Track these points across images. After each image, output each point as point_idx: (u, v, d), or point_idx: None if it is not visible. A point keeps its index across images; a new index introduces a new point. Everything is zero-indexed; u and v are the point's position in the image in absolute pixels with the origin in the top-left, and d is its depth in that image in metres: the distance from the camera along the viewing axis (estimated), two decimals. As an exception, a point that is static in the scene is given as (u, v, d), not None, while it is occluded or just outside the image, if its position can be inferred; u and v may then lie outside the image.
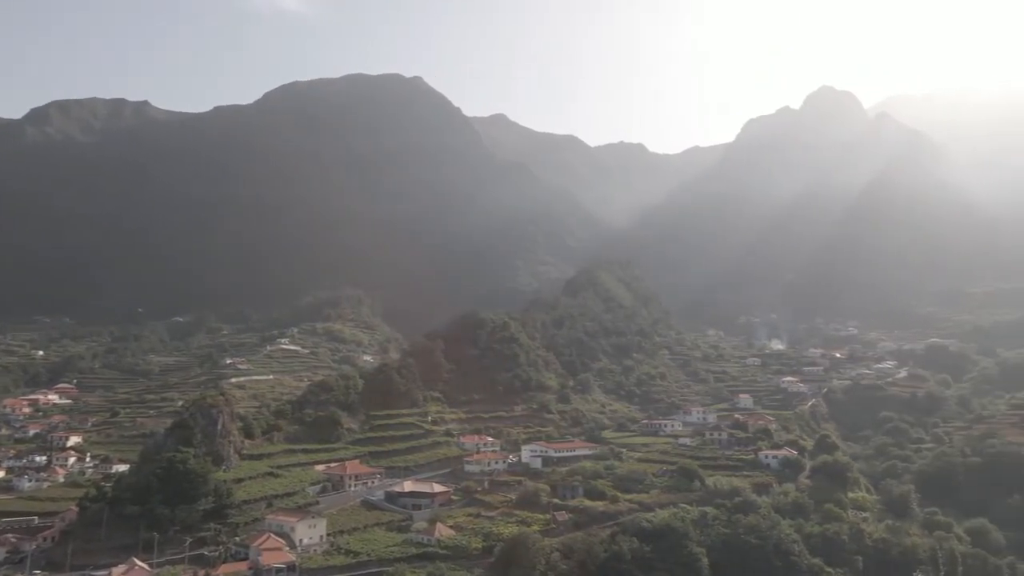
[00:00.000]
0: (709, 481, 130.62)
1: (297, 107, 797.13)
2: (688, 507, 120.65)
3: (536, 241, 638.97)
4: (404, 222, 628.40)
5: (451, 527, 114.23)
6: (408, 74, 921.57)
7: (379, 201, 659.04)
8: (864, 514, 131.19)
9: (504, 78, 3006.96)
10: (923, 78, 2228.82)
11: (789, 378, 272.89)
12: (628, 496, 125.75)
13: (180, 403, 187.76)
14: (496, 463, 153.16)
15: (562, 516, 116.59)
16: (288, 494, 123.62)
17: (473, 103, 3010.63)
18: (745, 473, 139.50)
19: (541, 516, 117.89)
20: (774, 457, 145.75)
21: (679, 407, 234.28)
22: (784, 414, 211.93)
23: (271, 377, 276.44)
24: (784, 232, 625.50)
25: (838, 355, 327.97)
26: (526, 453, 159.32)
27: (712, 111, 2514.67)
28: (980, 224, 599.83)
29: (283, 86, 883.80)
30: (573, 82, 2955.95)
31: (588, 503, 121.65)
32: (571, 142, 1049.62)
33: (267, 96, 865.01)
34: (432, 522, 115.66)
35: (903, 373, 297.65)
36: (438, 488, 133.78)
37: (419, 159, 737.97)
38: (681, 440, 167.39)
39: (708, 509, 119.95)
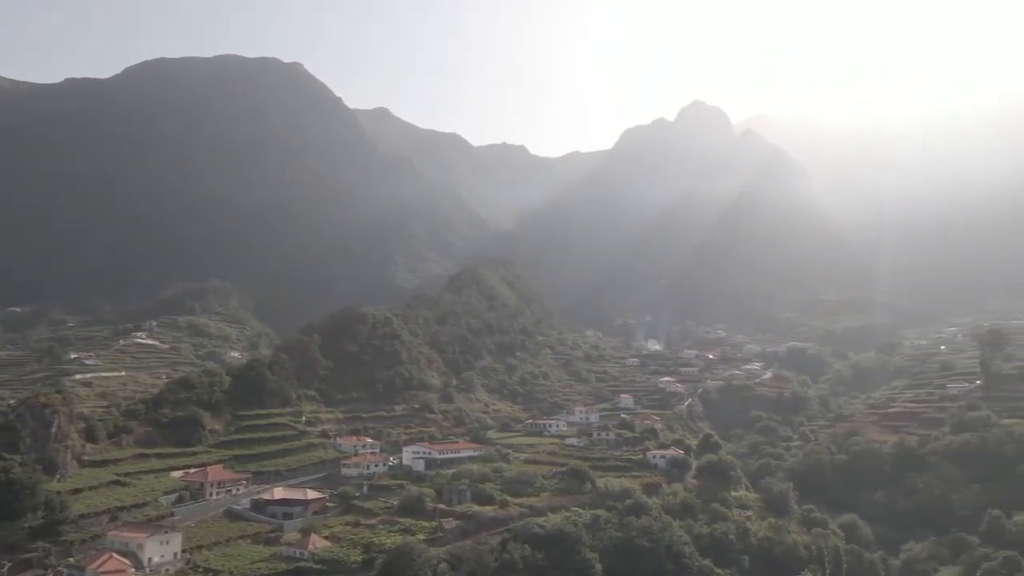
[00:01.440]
0: (600, 482, 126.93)
1: (162, 85, 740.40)
2: (580, 510, 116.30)
3: (418, 237, 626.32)
4: (278, 212, 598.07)
5: (326, 538, 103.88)
6: (287, 59, 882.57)
7: (250, 189, 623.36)
8: (748, 512, 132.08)
9: (388, 72, 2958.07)
10: (785, 100, 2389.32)
11: (667, 378, 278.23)
12: (518, 500, 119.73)
13: (11, 402, 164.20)
14: (376, 466, 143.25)
15: (449, 523, 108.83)
16: (137, 505, 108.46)
17: (355, 95, 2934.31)
18: (634, 474, 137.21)
19: (426, 523, 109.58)
20: (662, 457, 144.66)
21: (562, 407, 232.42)
22: (665, 413, 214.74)
23: (123, 374, 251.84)
24: (659, 238, 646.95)
25: (711, 356, 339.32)
26: (408, 455, 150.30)
27: (593, 118, 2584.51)
28: (833, 238, 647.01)
29: (147, 62, 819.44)
30: (458, 80, 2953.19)
31: (477, 508, 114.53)
32: (454, 140, 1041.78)
33: (128, 71, 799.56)
34: (305, 532, 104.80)
35: (769, 374, 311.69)
36: (312, 494, 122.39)
37: (295, 148, 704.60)
38: (568, 440, 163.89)
39: (600, 512, 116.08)
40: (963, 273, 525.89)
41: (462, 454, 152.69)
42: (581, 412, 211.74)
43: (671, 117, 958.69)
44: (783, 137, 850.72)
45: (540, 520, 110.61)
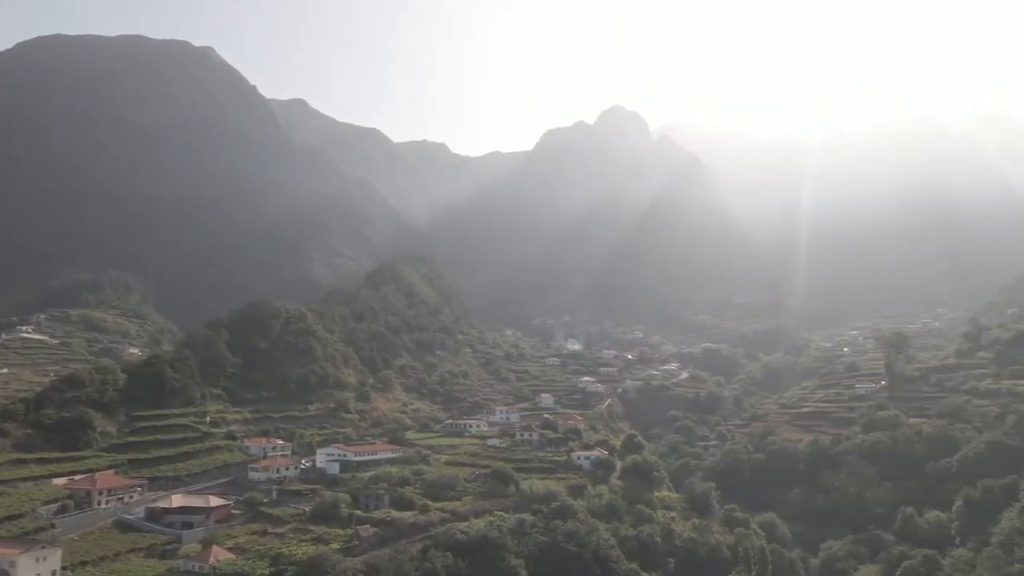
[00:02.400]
0: (524, 485, 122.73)
1: (57, 63, 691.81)
2: (504, 515, 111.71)
3: (334, 232, 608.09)
4: (185, 202, 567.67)
5: (230, 549, 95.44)
6: (198, 43, 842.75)
7: (155, 176, 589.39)
8: (672, 513, 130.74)
9: (307, 63, 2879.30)
10: (700, 109, 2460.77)
11: (587, 378, 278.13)
12: (439, 504, 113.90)
13: None
14: (287, 469, 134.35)
15: (366, 531, 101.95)
16: (11, 517, 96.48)
17: (271, 85, 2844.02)
18: (559, 475, 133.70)
19: (341, 531, 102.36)
20: (587, 458, 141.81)
21: (483, 406, 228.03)
22: (586, 413, 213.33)
23: (5, 371, 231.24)
24: (578, 240, 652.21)
25: (630, 356, 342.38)
26: (322, 457, 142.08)
27: (513, 118, 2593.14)
28: (743, 242, 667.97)
29: (41, 37, 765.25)
30: (380, 76, 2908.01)
31: (396, 514, 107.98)
32: (373, 135, 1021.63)
33: (20, 46, 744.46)
34: (206, 544, 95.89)
35: (685, 374, 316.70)
36: (215, 501, 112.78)
37: (205, 135, 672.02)
38: (490, 441, 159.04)
39: (525, 516, 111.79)
40: (861, 280, 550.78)
41: (380, 456, 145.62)
42: (502, 412, 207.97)
43: (591, 120, 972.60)
44: (698, 144, 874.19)
45: (463, 526, 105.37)
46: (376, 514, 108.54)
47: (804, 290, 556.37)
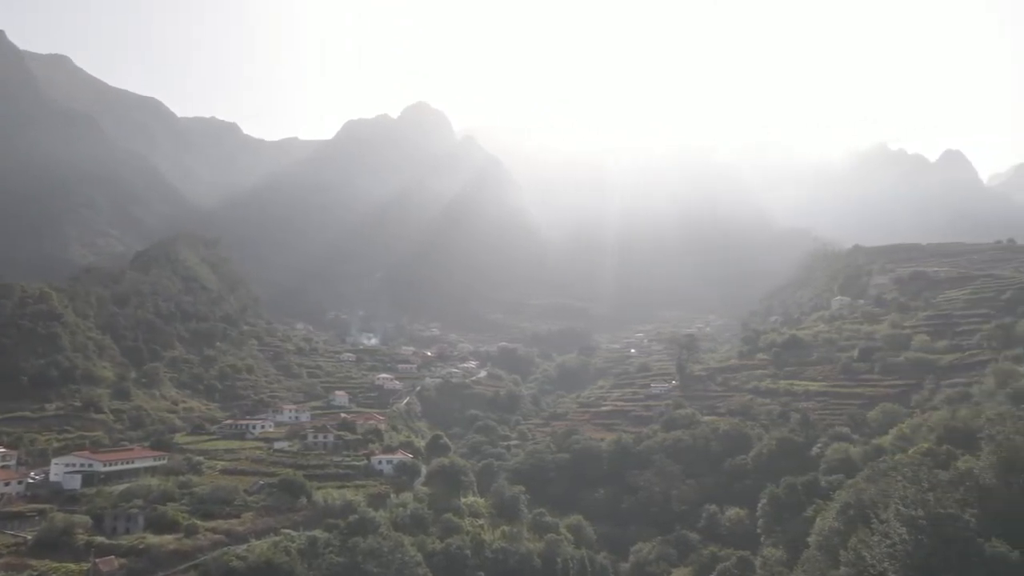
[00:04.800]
0: (317, 495, 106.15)
1: None
2: (293, 533, 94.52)
3: (98, 208, 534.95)
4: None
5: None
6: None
7: None
8: (480, 521, 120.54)
9: (74, 15, 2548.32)
10: (505, 115, 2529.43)
11: (384, 375, 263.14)
12: (211, 524, 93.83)
13: None
14: (8, 484, 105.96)
15: (108, 564, 79.99)
16: None
17: (26, 34, 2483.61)
18: (358, 482, 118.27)
19: (73, 566, 79.43)
20: (389, 462, 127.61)
21: (269, 405, 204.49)
22: (385, 412, 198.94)
23: None
24: (376, 233, 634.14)
25: (429, 353, 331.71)
26: (59, 468, 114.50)
27: (313, 106, 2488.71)
28: (538, 245, 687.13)
29: None
30: (164, 42, 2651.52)
31: (152, 539, 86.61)
32: (153, 105, 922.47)
33: None
34: None
35: (484, 373, 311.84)
36: None
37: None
38: (278, 444, 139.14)
39: (318, 533, 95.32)
40: (645, 286, 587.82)
41: (137, 465, 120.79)
42: (291, 411, 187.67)
43: (395, 115, 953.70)
44: (502, 150, 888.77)
45: (240, 549, 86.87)
46: (126, 540, 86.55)
47: (594, 293, 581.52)
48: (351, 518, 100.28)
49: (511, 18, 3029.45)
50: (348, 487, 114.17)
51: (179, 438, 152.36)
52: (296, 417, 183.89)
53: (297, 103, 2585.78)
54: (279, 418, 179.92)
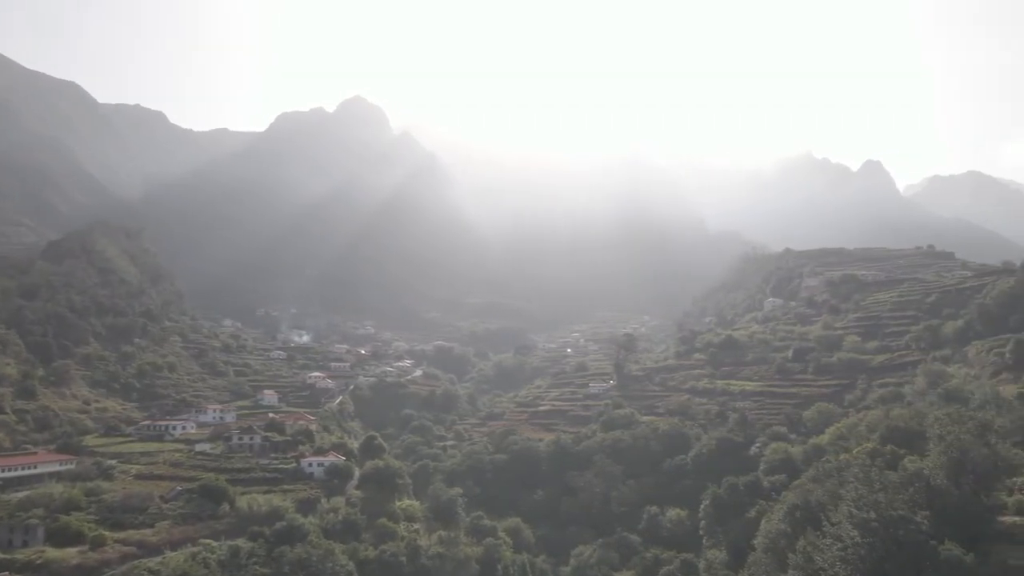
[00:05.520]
0: (241, 502, 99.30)
1: None
2: (213, 543, 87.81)
3: (8, 196, 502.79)
4: None
5: None
6: None
7: None
8: (416, 525, 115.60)
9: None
10: (443, 111, 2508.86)
11: (316, 374, 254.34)
12: (121, 535, 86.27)
13: None
14: None
15: (2, 580, 72.04)
16: None
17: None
18: (286, 487, 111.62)
19: (-41, 585, 71.25)
20: (319, 464, 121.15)
21: (191, 404, 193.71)
22: (316, 412, 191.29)
23: None
24: (310, 228, 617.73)
25: (363, 352, 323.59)
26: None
27: (245, 98, 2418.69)
28: (475, 243, 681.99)
29: None
30: (84, 25, 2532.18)
31: (53, 552, 78.66)
32: (72, 90, 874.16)
33: None
34: None
35: (419, 372, 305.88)
36: None
37: None
38: (200, 446, 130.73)
39: (241, 542, 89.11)
40: (580, 286, 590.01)
41: (40, 470, 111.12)
42: (215, 411, 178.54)
43: (331, 108, 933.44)
44: (439, 146, 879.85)
45: (153, 563, 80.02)
46: (22, 554, 78.36)
47: (531, 293, 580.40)
48: (278, 525, 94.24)
49: (453, 18, 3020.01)
50: (275, 492, 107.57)
51: (90, 440, 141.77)
52: (220, 417, 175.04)
53: (228, 94, 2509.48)
54: (202, 418, 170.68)
